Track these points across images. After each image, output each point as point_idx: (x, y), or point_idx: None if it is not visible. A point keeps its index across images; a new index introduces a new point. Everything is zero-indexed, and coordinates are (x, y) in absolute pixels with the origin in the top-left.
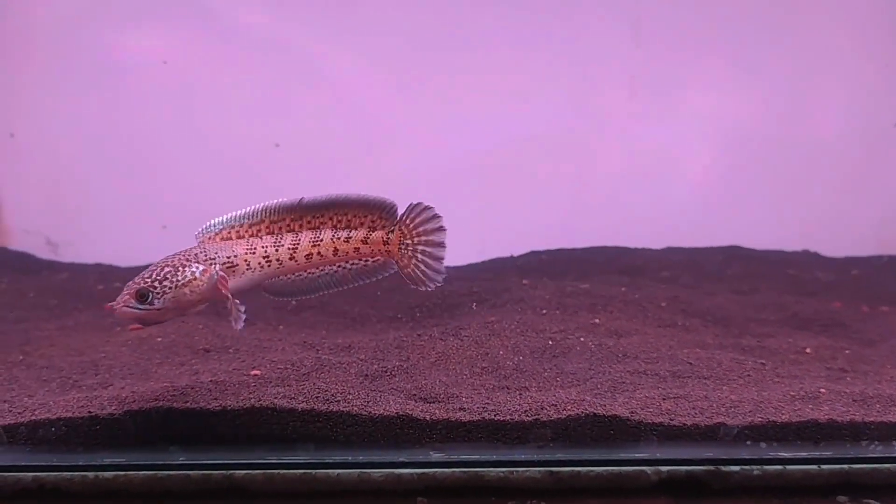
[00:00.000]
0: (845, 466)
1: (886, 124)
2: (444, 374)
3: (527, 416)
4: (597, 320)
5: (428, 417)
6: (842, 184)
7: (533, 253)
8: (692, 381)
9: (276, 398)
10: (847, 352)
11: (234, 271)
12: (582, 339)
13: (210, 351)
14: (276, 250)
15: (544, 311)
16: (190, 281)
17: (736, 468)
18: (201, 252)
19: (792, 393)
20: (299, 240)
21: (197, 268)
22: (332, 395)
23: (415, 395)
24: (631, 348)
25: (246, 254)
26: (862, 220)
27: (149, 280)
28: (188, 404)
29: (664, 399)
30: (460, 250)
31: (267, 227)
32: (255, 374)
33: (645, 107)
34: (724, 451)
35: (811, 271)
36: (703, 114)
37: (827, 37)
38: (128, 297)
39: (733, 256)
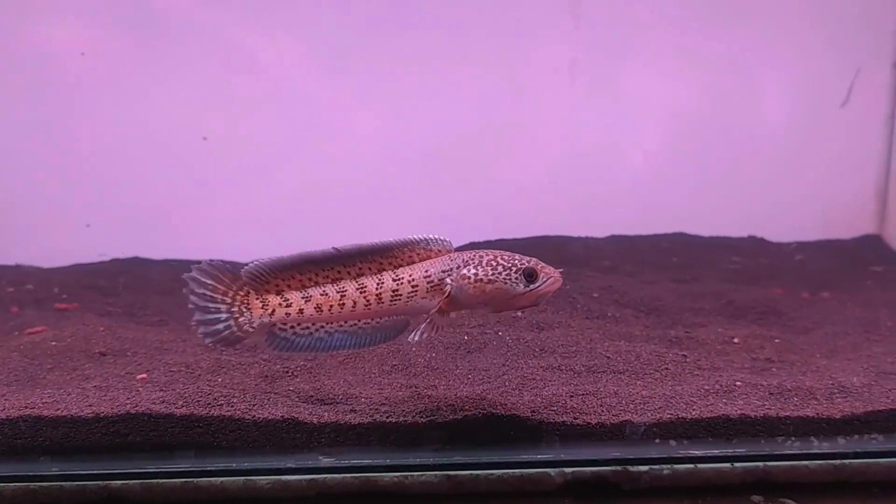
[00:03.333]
0: (760, 464)
1: (832, 106)
2: (351, 373)
3: (421, 417)
4: (519, 313)
5: (316, 420)
6: (788, 167)
7: (472, 244)
8: (606, 376)
9: (153, 403)
10: (777, 341)
11: None
12: (500, 333)
13: (106, 354)
14: None
15: None
16: None
17: (644, 468)
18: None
19: (707, 387)
20: None
21: None
22: (215, 399)
23: (311, 396)
24: (550, 342)
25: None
26: (808, 204)
27: None
28: (59, 412)
29: (571, 396)
30: None
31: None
32: (142, 379)
33: (586, 92)
34: (631, 450)
35: (755, 258)
36: (646, 98)
37: (771, 18)
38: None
39: (678, 244)
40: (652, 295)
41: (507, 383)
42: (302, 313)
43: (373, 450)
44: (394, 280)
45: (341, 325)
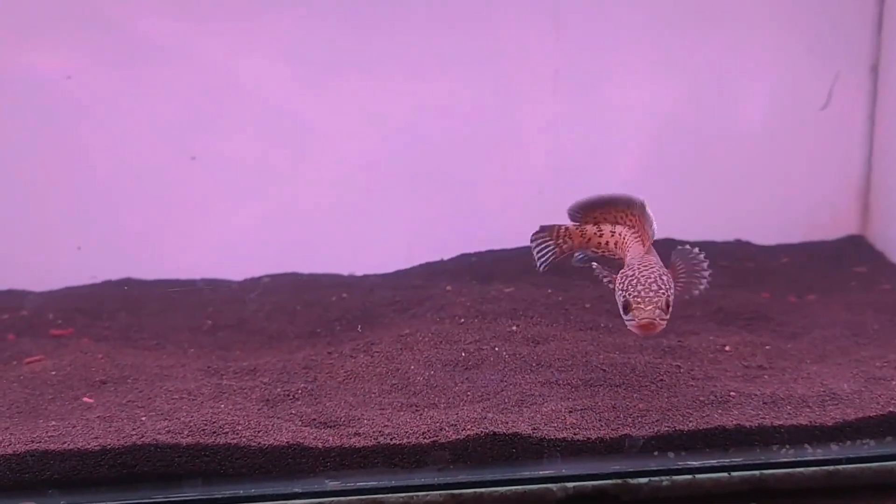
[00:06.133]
0: (756, 473)
1: (813, 110)
2: (351, 394)
3: (425, 438)
4: (514, 327)
5: (321, 445)
6: (772, 170)
7: (463, 256)
8: (603, 389)
9: (159, 434)
10: (767, 347)
11: None
12: (496, 348)
13: (107, 382)
14: None
15: (462, 320)
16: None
17: (644, 480)
18: (658, 261)
19: (702, 398)
20: None
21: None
22: (220, 427)
23: (314, 419)
24: (546, 356)
25: None
26: (792, 206)
27: (668, 290)
28: (66, 445)
29: (570, 412)
30: (390, 256)
31: None
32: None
33: (570, 102)
34: (631, 463)
35: (742, 262)
36: (628, 105)
37: (751, 25)
38: (660, 310)
39: (666, 250)
40: None
41: (506, 400)
42: (607, 245)
43: (378, 472)
44: None
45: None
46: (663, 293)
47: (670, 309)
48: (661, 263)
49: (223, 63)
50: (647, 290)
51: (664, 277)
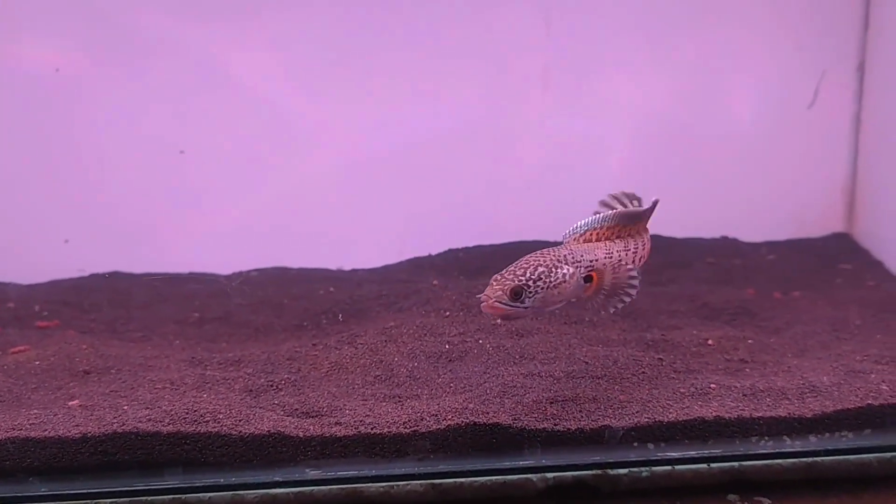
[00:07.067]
0: (735, 464)
1: (800, 108)
2: (335, 385)
3: (405, 428)
4: (499, 320)
5: (302, 434)
6: (759, 168)
7: (450, 251)
8: (585, 381)
9: (140, 422)
10: (750, 342)
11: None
12: (480, 341)
13: (90, 373)
14: (626, 254)
15: (447, 313)
16: (560, 283)
17: (624, 471)
18: (569, 254)
19: (682, 390)
20: (638, 245)
21: (567, 270)
22: (202, 416)
23: (296, 409)
24: (529, 349)
25: (605, 258)
26: (779, 204)
27: (523, 278)
28: (46, 433)
29: (551, 403)
30: (378, 251)
31: (616, 232)
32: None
33: (560, 98)
34: (611, 454)
35: (729, 258)
36: (618, 103)
37: (740, 23)
38: (501, 293)
39: (654, 246)
40: None
41: (488, 391)
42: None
43: (359, 461)
44: None
45: None
46: (519, 280)
47: (527, 300)
48: (563, 257)
49: (213, 57)
50: (510, 273)
51: (540, 269)
